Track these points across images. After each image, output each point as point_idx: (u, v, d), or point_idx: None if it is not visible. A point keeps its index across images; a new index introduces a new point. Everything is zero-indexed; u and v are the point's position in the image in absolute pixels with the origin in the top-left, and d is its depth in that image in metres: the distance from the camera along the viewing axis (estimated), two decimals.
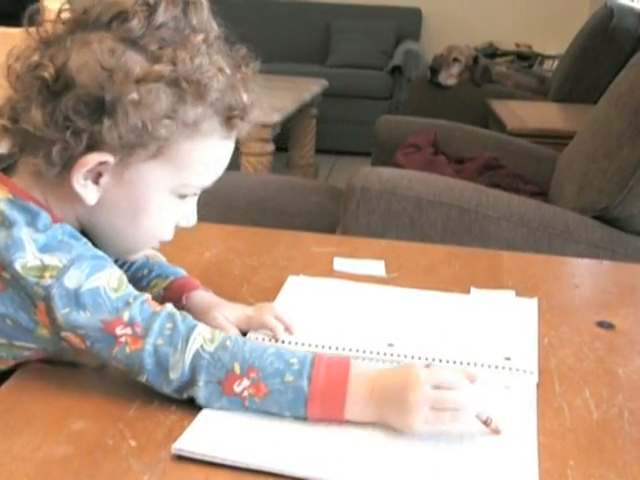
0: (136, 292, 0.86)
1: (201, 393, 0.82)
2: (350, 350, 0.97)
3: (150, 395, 0.84)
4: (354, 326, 1.05)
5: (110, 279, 0.84)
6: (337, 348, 0.98)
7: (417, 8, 6.04)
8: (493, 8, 5.99)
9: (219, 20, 0.90)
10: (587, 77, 3.82)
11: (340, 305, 1.13)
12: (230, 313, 1.00)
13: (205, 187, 0.92)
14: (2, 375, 0.89)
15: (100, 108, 0.81)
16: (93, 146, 0.83)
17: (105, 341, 0.83)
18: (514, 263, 1.37)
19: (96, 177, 0.86)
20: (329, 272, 1.26)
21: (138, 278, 1.05)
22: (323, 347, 0.98)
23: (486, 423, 0.81)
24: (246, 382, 0.82)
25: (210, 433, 0.79)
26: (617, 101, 2.01)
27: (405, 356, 0.96)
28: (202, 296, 1.03)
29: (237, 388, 0.82)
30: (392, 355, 0.97)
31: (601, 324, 1.13)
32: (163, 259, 1.09)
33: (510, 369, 0.94)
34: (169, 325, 0.83)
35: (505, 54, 5.74)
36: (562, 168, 2.33)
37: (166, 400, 0.84)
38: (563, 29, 4.96)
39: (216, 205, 2.30)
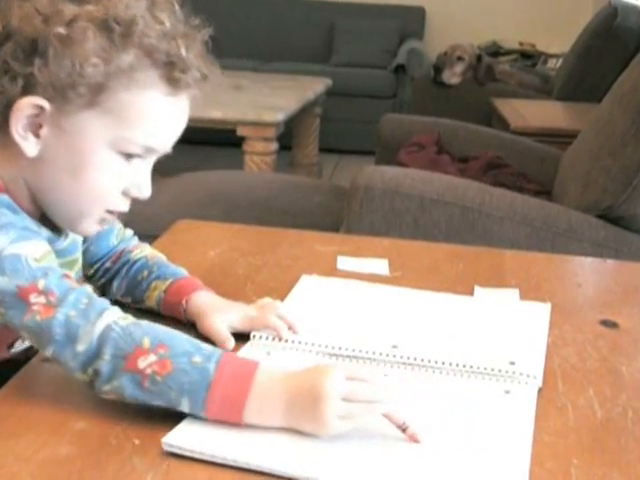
0: (58, 268, 0.86)
1: (105, 368, 0.80)
2: (353, 350, 0.97)
3: None
4: (359, 327, 1.05)
5: (35, 251, 0.84)
6: (340, 348, 0.97)
7: (421, 7, 6.04)
8: (497, 7, 5.98)
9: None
10: (591, 76, 3.81)
11: (347, 305, 1.13)
12: (232, 315, 1.00)
13: (153, 148, 0.90)
14: (2, 376, 0.89)
15: (34, 51, 0.83)
16: (28, 90, 0.84)
17: (18, 307, 0.82)
18: (517, 262, 1.37)
19: (36, 129, 0.86)
20: (333, 271, 1.25)
21: (138, 281, 1.05)
22: (326, 347, 0.97)
23: (402, 428, 0.79)
24: (153, 357, 0.80)
25: (200, 430, 0.79)
26: (621, 99, 2.01)
27: (408, 358, 0.96)
28: (203, 298, 1.02)
29: (141, 364, 0.80)
30: (395, 357, 0.96)
31: (605, 323, 1.12)
32: (163, 258, 1.09)
33: (513, 373, 0.94)
34: (85, 300, 0.83)
35: (509, 53, 5.73)
36: (566, 167, 2.33)
37: None
38: (567, 28, 4.95)
39: (219, 204, 2.31)
